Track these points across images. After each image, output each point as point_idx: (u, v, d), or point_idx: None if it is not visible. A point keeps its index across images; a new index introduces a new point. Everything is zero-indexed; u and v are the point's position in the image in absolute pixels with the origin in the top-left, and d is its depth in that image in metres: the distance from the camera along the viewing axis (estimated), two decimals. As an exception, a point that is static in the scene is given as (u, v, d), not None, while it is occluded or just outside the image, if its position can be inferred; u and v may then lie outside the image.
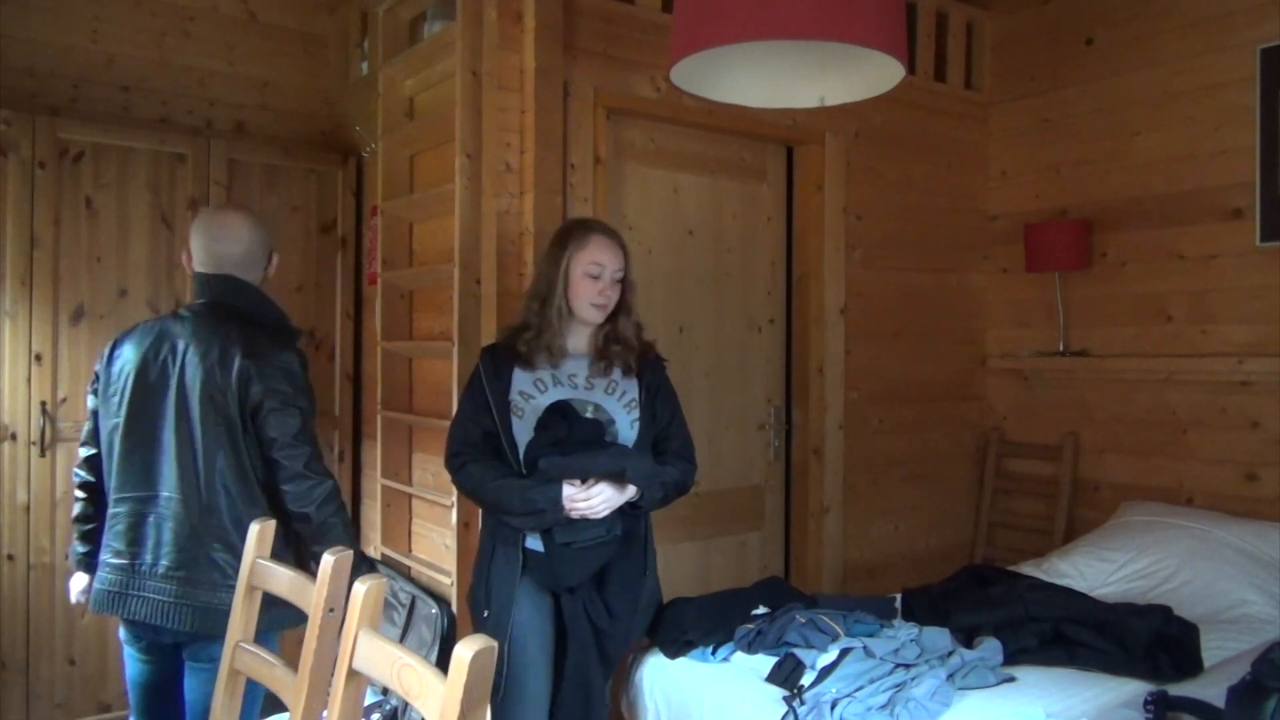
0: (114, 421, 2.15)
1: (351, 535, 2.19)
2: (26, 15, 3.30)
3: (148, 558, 2.09)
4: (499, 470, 2.15)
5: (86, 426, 2.26)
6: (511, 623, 2.16)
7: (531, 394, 2.20)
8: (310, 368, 2.27)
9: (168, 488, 2.09)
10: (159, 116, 3.56)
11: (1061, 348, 3.77)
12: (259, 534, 1.81)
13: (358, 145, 3.72)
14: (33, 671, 3.03)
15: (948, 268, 3.93)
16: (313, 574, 1.63)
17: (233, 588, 1.94)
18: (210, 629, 2.05)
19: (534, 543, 2.18)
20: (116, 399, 2.15)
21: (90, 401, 2.25)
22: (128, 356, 2.16)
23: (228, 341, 2.10)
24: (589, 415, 2.19)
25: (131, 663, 2.22)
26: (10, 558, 3.01)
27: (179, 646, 2.18)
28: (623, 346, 2.27)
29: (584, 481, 2.09)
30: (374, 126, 3.44)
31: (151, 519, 2.10)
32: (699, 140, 3.29)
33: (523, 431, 2.17)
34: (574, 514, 2.09)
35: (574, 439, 2.13)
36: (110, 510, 2.15)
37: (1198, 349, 3.39)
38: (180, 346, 2.12)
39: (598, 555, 2.18)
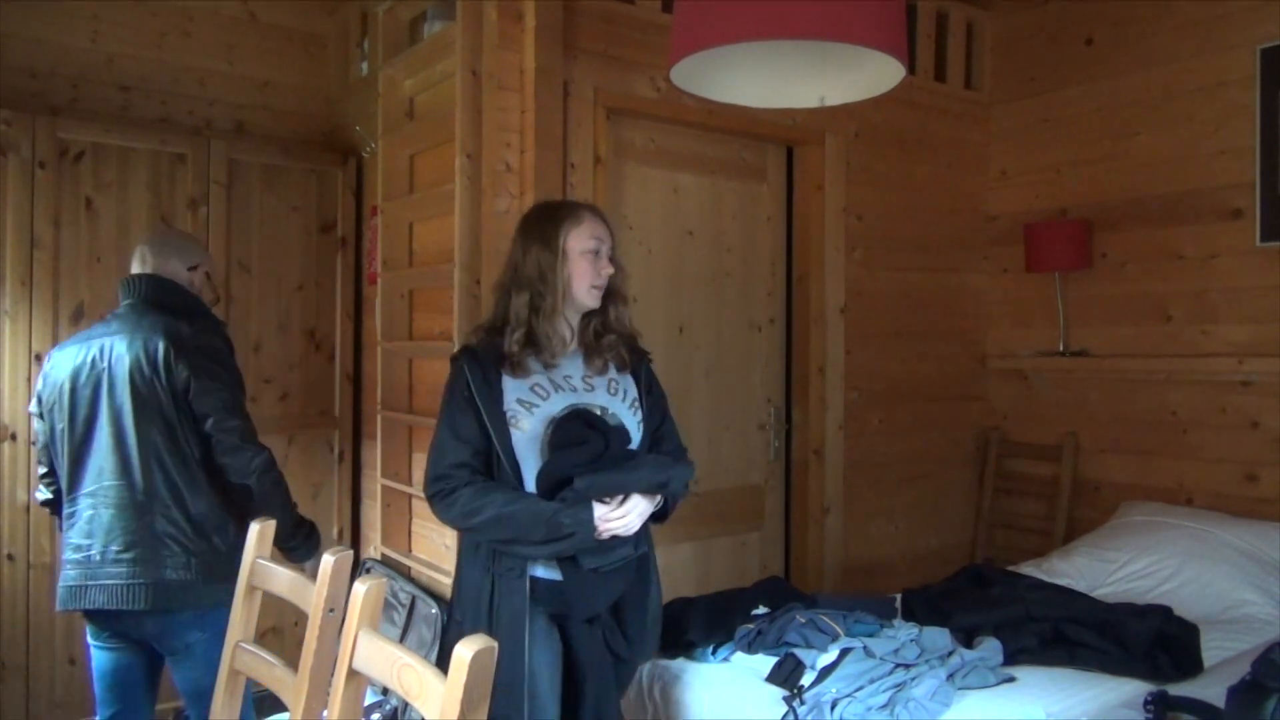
0: (60, 428, 2.27)
1: (290, 503, 2.32)
2: (26, 15, 3.30)
3: (99, 546, 2.19)
4: (507, 494, 1.87)
5: (40, 443, 2.37)
6: (529, 666, 1.89)
7: (533, 402, 1.94)
8: (228, 334, 2.43)
9: (109, 476, 2.21)
10: (159, 116, 3.56)
11: (1061, 348, 3.77)
12: (259, 534, 1.81)
13: (358, 145, 3.71)
14: (33, 671, 3.03)
15: (948, 268, 3.93)
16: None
17: (182, 562, 2.15)
18: (167, 604, 2.15)
19: (544, 571, 1.93)
20: (55, 408, 2.28)
21: (36, 424, 2.38)
22: (60, 365, 2.30)
23: (151, 332, 2.23)
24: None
25: (99, 658, 2.29)
26: (10, 558, 3.01)
27: (145, 641, 2.25)
28: (618, 337, 2.06)
29: (618, 498, 1.87)
30: (374, 126, 3.44)
31: (101, 509, 2.20)
32: (699, 140, 3.29)
33: (526, 447, 1.91)
34: (606, 534, 1.86)
35: (611, 452, 1.90)
36: (65, 510, 2.27)
37: (1198, 349, 3.39)
38: (108, 345, 2.25)
39: (623, 577, 1.97)
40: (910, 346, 3.80)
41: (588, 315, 2.05)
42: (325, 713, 1.44)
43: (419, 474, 3.22)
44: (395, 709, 2.79)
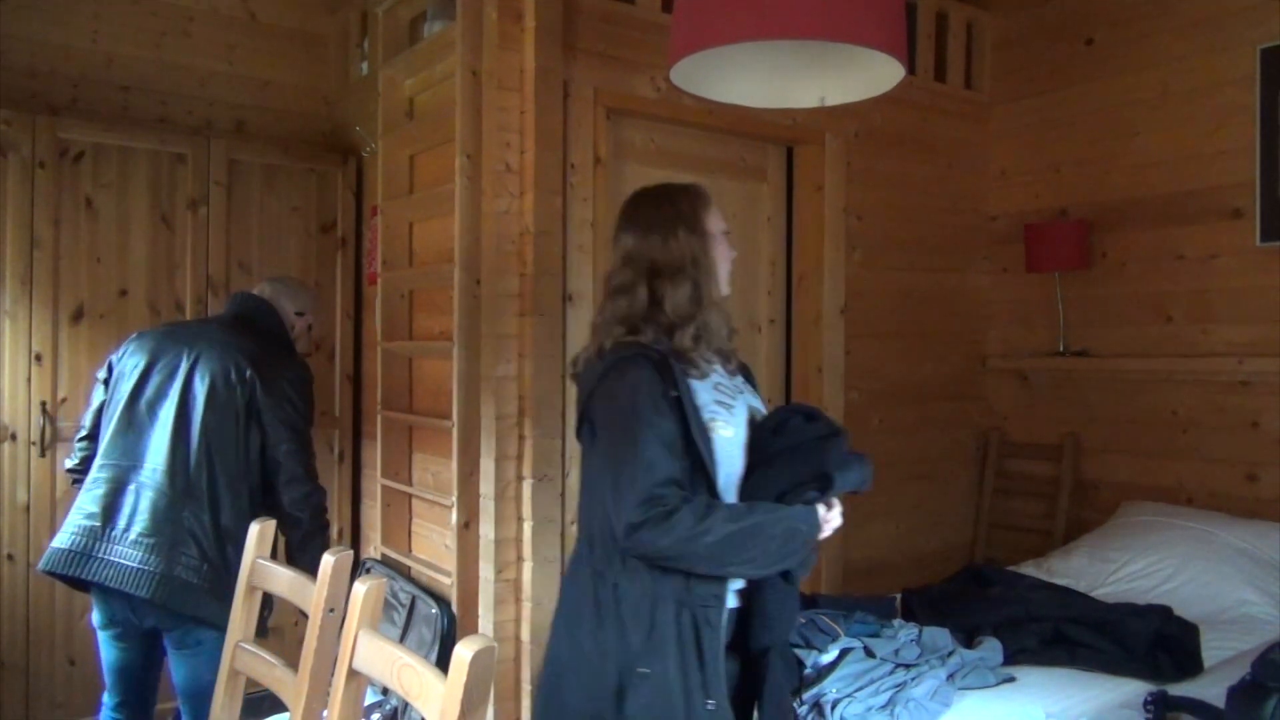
0: (118, 399, 2.28)
1: (327, 545, 2.31)
2: (26, 15, 3.30)
3: (121, 523, 2.17)
4: (727, 508, 1.60)
5: (93, 407, 2.39)
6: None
7: (727, 402, 1.72)
8: (313, 373, 2.42)
9: (155, 460, 2.21)
10: (159, 116, 3.56)
11: (1061, 348, 3.77)
12: (259, 534, 1.81)
13: (358, 145, 3.71)
14: (33, 671, 3.03)
15: (948, 268, 3.93)
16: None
17: (195, 565, 2.13)
18: (172, 602, 2.13)
19: (732, 598, 1.70)
20: (125, 382, 2.29)
21: (99, 390, 2.38)
22: (145, 345, 2.33)
23: (245, 345, 2.29)
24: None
25: (106, 647, 2.29)
26: (10, 558, 3.01)
27: (156, 633, 2.24)
28: (734, 331, 1.85)
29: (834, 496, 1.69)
30: (374, 126, 3.44)
31: (132, 487, 2.20)
32: (699, 140, 3.29)
33: (729, 452, 1.67)
34: (826, 535, 1.69)
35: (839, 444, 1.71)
36: (91, 477, 2.25)
37: (1198, 349, 3.39)
38: (199, 342, 2.31)
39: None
40: (910, 346, 3.80)
41: None
42: (325, 713, 1.44)
43: (419, 474, 3.22)
44: (395, 709, 2.79)
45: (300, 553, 2.28)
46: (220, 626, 2.01)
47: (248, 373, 2.25)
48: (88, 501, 2.21)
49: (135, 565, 2.13)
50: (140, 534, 2.15)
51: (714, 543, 1.54)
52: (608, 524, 1.62)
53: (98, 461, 2.25)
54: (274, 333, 2.44)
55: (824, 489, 1.65)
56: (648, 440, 1.58)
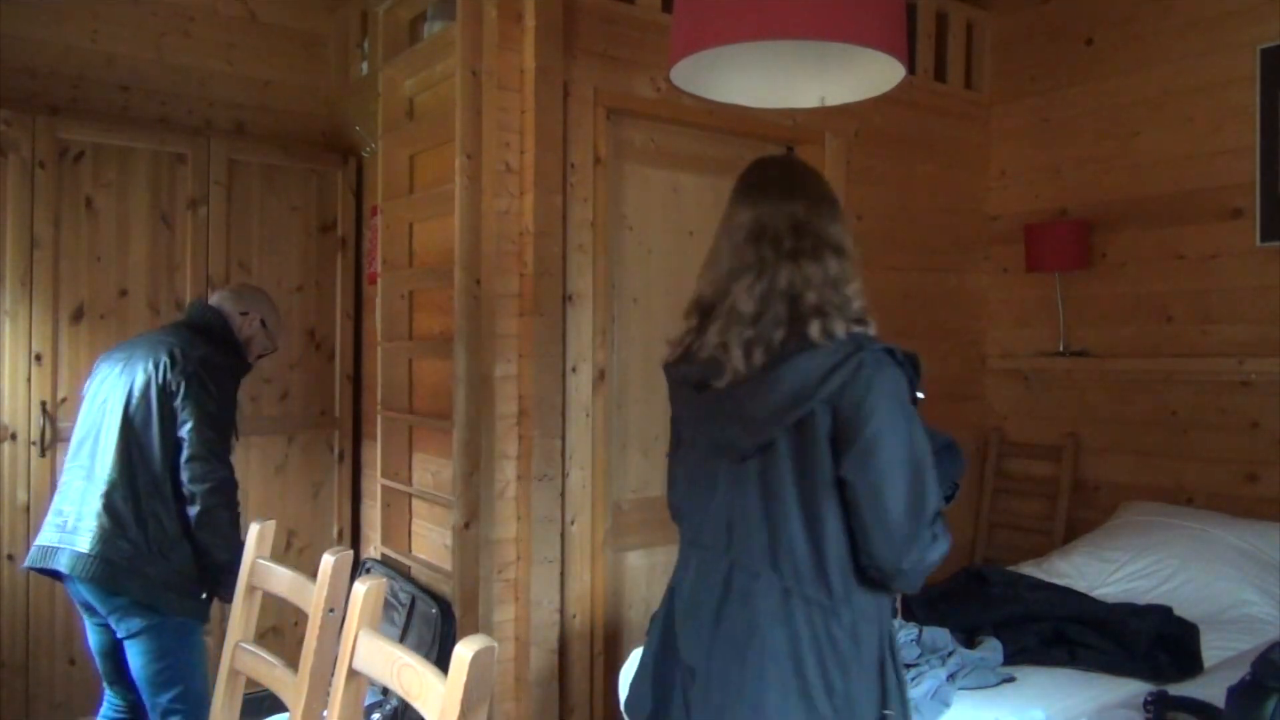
0: (81, 409, 2.46)
1: (235, 541, 2.32)
2: (26, 15, 3.30)
3: (75, 513, 2.32)
4: None
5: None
6: None
7: None
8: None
9: (101, 453, 2.34)
10: (159, 116, 3.55)
11: (1061, 348, 3.77)
12: (259, 534, 1.81)
13: (358, 145, 3.71)
14: (33, 671, 3.03)
15: (948, 268, 3.93)
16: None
17: (125, 548, 2.25)
18: (111, 584, 2.25)
19: None
20: (88, 395, 2.46)
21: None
22: (110, 360, 2.47)
23: (169, 342, 2.40)
24: None
25: (89, 631, 2.45)
26: (10, 558, 3.01)
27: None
28: None
29: None
30: (374, 126, 3.44)
31: (85, 482, 2.34)
32: (699, 140, 3.29)
33: None
34: None
35: None
36: (59, 482, 2.43)
37: (1198, 349, 3.39)
38: (139, 343, 2.46)
39: None
40: (910, 346, 3.78)
41: None
42: (325, 713, 1.44)
43: (419, 474, 3.22)
44: (395, 709, 2.79)
45: (198, 530, 2.33)
46: (148, 606, 2.27)
47: (164, 360, 2.34)
48: (56, 502, 2.39)
49: (85, 551, 2.27)
50: (86, 521, 2.29)
51: (944, 551, 1.44)
52: (843, 549, 1.42)
53: (65, 465, 2.44)
54: (216, 330, 2.53)
55: (949, 497, 1.57)
56: (927, 448, 1.49)
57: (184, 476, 2.32)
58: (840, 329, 1.48)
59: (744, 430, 1.47)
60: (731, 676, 1.44)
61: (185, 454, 2.32)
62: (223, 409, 2.41)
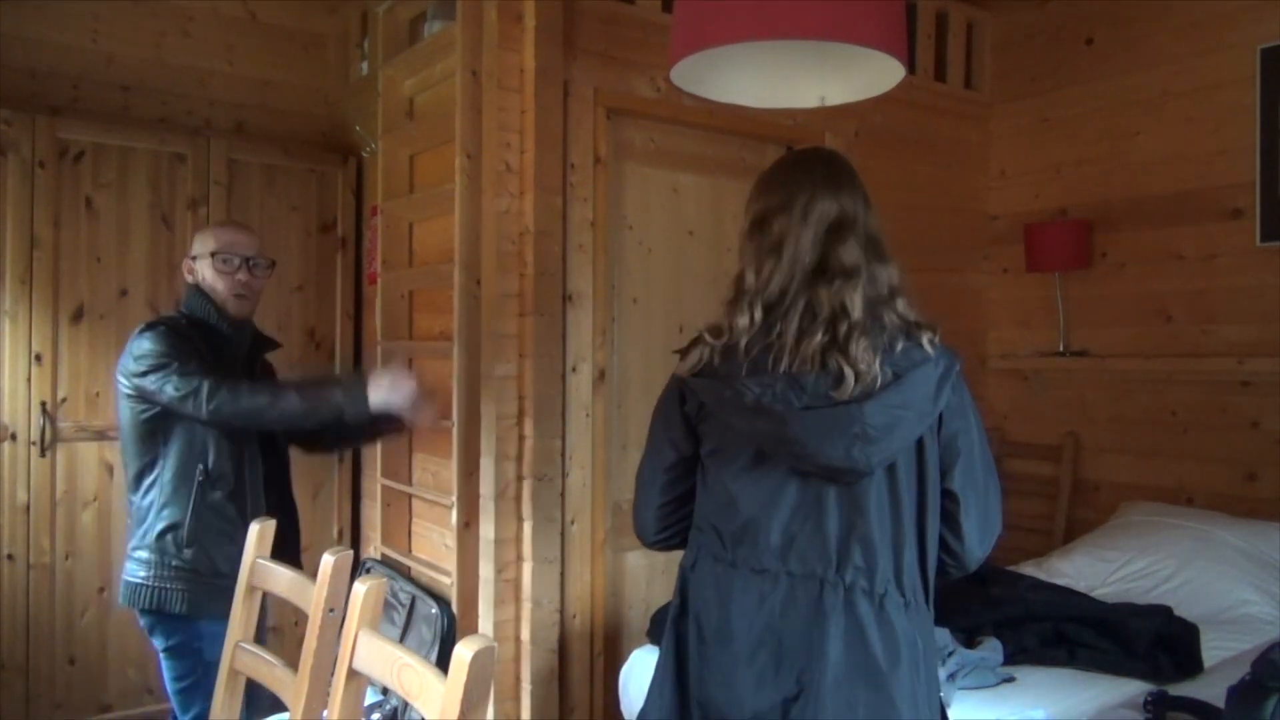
0: None
1: (281, 396, 2.12)
2: (26, 15, 3.30)
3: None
4: None
5: None
6: None
7: None
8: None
9: None
10: (159, 116, 3.55)
11: (1061, 348, 3.77)
12: (259, 534, 1.81)
13: (358, 145, 3.71)
14: (33, 671, 3.03)
15: (948, 268, 3.93)
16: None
17: (137, 562, 2.14)
18: (128, 600, 2.16)
19: None
20: None
21: None
22: None
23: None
24: None
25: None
26: (10, 558, 3.01)
27: None
28: None
29: None
30: (374, 126, 3.44)
31: None
32: (699, 140, 3.29)
33: None
34: None
35: None
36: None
37: (1198, 349, 3.38)
38: None
39: None
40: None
41: None
42: (325, 713, 1.44)
43: (419, 474, 3.22)
44: (395, 709, 2.79)
45: (273, 425, 2.14)
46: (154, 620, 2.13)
47: (123, 359, 2.15)
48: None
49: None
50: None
51: None
52: (915, 551, 1.44)
53: None
54: (179, 310, 2.28)
55: None
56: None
57: (204, 416, 2.06)
58: (929, 339, 1.45)
59: (868, 447, 1.36)
60: (860, 697, 1.38)
61: (186, 407, 2.07)
62: (178, 359, 2.09)
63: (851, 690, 1.37)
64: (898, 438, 1.38)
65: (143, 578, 2.14)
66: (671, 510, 1.56)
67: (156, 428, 2.15)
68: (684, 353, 1.53)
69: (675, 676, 1.49)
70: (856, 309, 1.39)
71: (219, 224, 2.45)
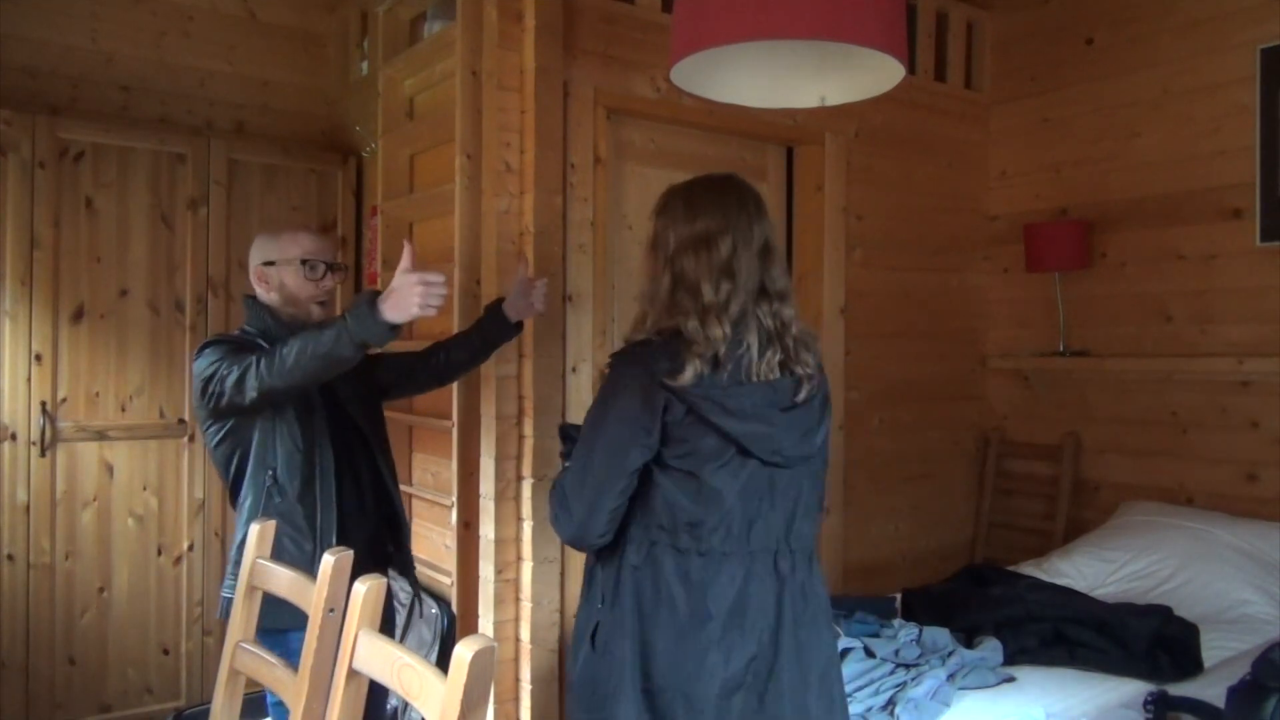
0: None
1: (305, 344, 1.90)
2: (26, 15, 3.30)
3: None
4: None
5: None
6: None
7: None
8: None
9: None
10: (159, 116, 3.56)
11: (1061, 348, 3.77)
12: (259, 534, 1.81)
13: (358, 145, 3.72)
14: (33, 671, 3.03)
15: (948, 268, 3.93)
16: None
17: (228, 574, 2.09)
18: (221, 614, 2.11)
19: None
20: None
21: None
22: None
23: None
24: None
25: None
26: (10, 558, 3.01)
27: None
28: None
29: None
30: (374, 126, 3.44)
31: None
32: (699, 140, 3.29)
33: None
34: None
35: None
36: None
37: (1198, 349, 3.39)
38: None
39: None
40: (910, 346, 3.80)
41: None
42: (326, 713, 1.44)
43: (419, 474, 3.22)
44: (395, 709, 2.79)
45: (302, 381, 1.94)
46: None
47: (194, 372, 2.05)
48: None
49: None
50: None
51: None
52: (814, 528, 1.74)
53: None
54: (241, 330, 2.21)
55: None
56: None
57: (255, 396, 1.94)
58: (819, 347, 1.75)
59: (813, 438, 1.67)
60: (809, 656, 1.63)
61: (244, 398, 1.95)
62: (237, 350, 2.01)
63: (795, 635, 1.61)
64: (822, 429, 1.70)
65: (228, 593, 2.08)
66: (620, 510, 1.63)
67: (232, 450, 2.10)
68: (639, 356, 1.61)
69: (640, 671, 1.59)
70: (795, 325, 1.66)
71: (298, 229, 2.28)
